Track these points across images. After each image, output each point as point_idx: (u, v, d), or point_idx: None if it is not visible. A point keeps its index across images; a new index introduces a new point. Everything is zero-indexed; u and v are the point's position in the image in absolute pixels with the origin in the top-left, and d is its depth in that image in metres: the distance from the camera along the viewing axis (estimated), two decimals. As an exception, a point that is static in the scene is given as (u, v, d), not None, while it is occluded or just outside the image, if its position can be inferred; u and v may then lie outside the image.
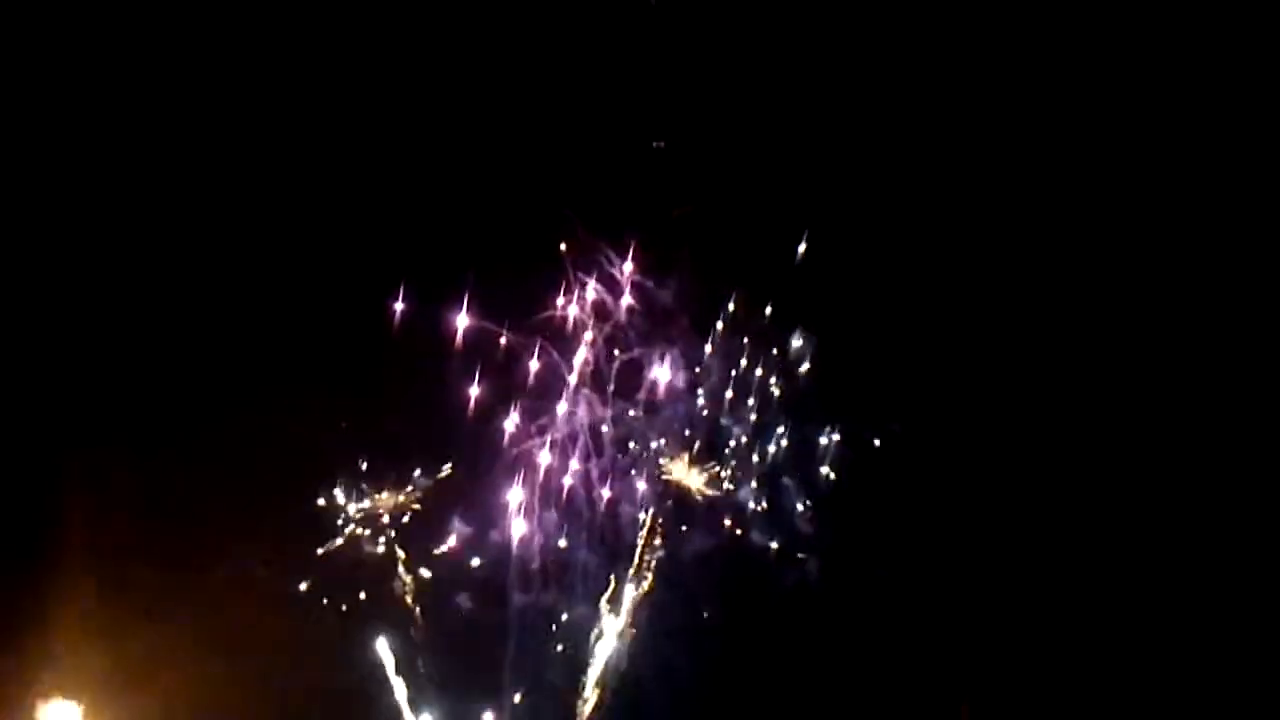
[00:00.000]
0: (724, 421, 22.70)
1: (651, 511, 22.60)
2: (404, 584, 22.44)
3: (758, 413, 22.42)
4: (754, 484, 22.48)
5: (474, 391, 21.59)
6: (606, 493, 22.34)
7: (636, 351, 22.03)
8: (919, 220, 21.67)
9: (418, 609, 22.42)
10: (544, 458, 22.06)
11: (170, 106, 21.83)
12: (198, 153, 21.71)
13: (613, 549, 22.52)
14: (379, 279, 21.60)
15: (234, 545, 22.09)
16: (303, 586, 22.26)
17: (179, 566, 21.82)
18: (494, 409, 21.80)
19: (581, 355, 21.95)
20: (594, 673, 22.40)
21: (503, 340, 21.54)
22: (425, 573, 22.44)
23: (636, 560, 22.49)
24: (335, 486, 22.55)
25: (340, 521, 22.63)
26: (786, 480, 22.48)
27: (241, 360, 21.74)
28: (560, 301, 21.79)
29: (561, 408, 22.03)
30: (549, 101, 21.39)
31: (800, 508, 22.50)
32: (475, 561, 22.36)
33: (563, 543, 22.23)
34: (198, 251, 21.78)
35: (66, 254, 21.56)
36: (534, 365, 21.73)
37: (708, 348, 22.30)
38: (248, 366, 21.76)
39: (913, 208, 21.66)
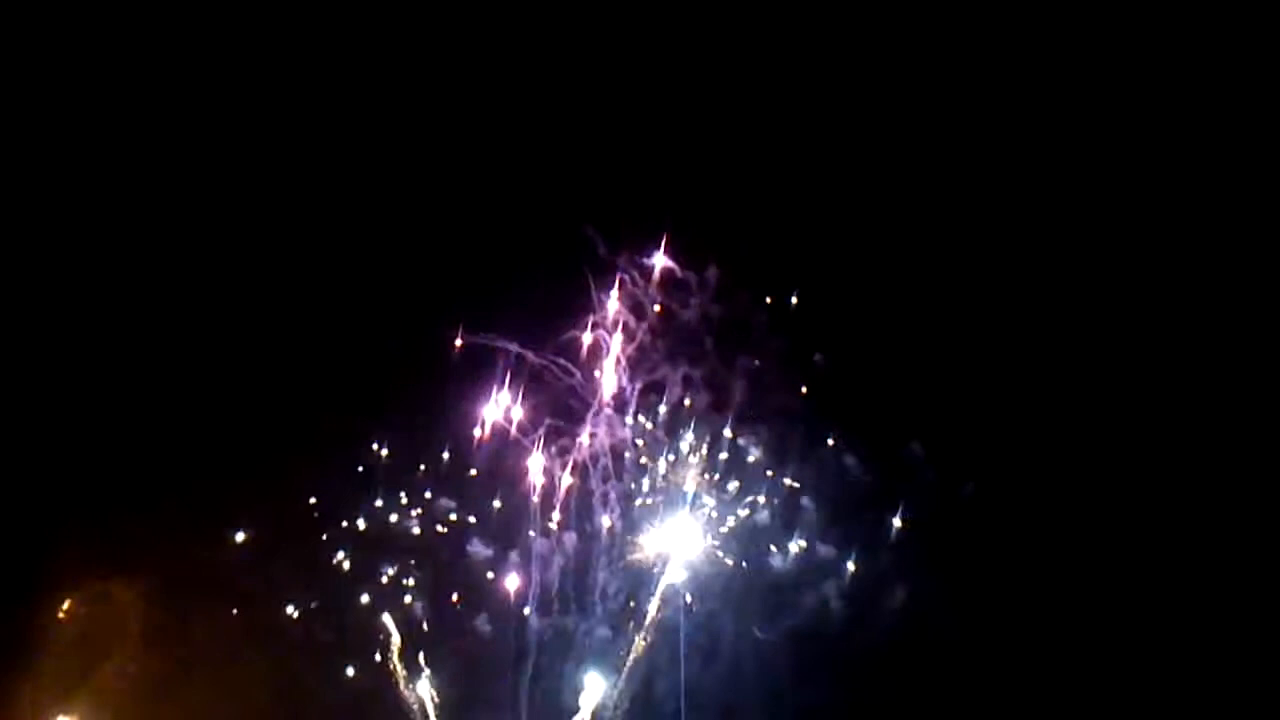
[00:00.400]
0: (743, 441, 22.64)
1: (670, 533, 22.51)
2: (422, 606, 22.34)
3: (778, 432, 22.35)
4: (774, 504, 22.37)
5: (495, 413, 21.69)
6: (626, 513, 22.32)
7: (659, 373, 22.02)
8: (938, 238, 21.75)
9: (435, 628, 22.35)
10: (565, 479, 22.04)
11: (191, 129, 21.96)
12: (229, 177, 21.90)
13: (631, 570, 22.44)
14: (396, 300, 21.74)
15: (249, 564, 22.20)
16: (318, 606, 22.22)
17: (193, 587, 21.95)
18: (515, 431, 21.83)
19: (603, 376, 21.90)
20: (611, 693, 22.23)
21: (525, 360, 21.63)
22: (443, 594, 22.37)
23: (655, 582, 22.40)
24: (353, 507, 22.50)
25: (357, 542, 22.56)
26: (806, 501, 22.41)
27: (267, 384, 21.83)
28: (581, 326, 21.87)
29: (584, 428, 22.03)
30: (575, 124, 21.52)
31: (820, 529, 22.41)
32: (494, 583, 22.26)
33: (582, 564, 22.22)
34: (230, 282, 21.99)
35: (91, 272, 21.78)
36: (557, 386, 21.80)
37: (728, 368, 22.26)
38: (273, 390, 21.84)
39: (931, 226, 21.73)
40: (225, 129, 21.84)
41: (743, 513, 22.42)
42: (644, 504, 22.45)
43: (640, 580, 22.38)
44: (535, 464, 21.98)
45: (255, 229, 21.78)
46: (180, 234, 21.94)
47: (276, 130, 21.62)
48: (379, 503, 22.39)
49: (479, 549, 22.28)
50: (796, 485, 22.25)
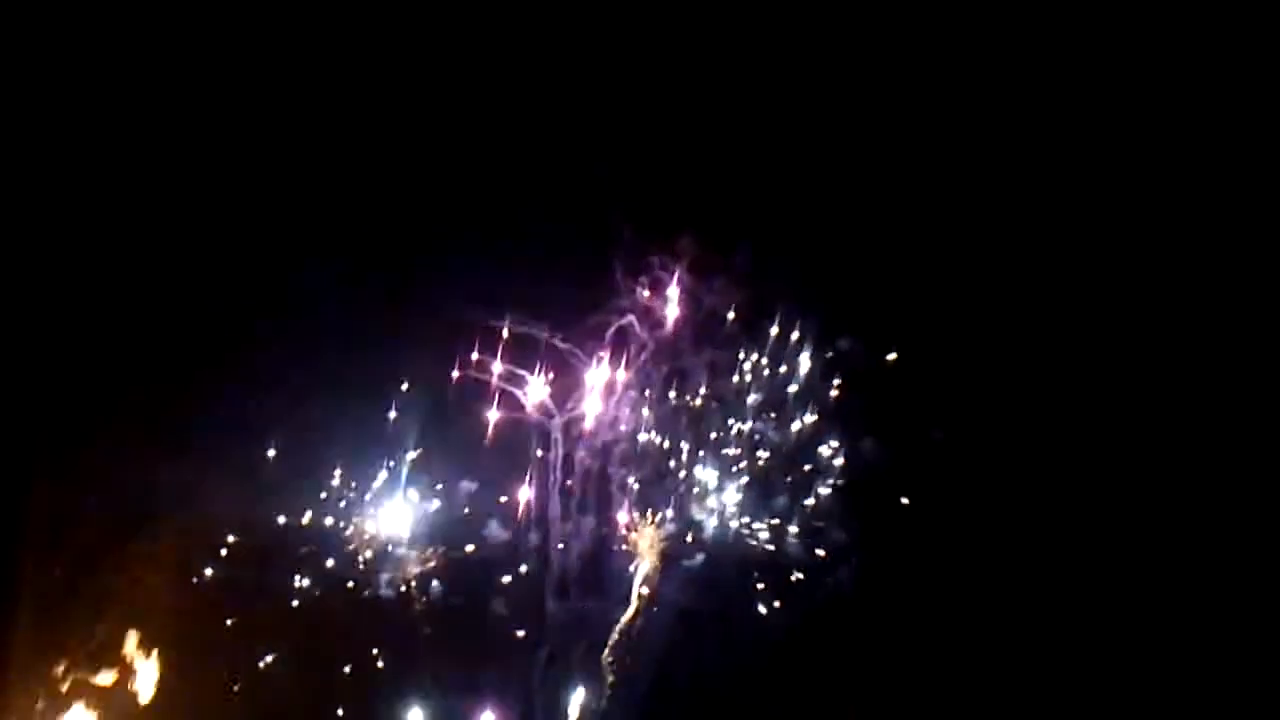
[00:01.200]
0: (760, 426, 22.62)
1: (687, 519, 22.49)
2: (437, 586, 22.20)
3: (799, 419, 22.34)
4: (792, 494, 22.41)
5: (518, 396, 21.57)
6: (646, 498, 22.26)
7: (683, 358, 21.92)
8: (964, 226, 21.77)
9: (449, 612, 22.21)
10: (585, 463, 21.96)
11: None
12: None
13: (647, 555, 22.40)
14: (418, 278, 21.49)
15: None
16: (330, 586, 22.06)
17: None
18: (535, 413, 21.64)
19: (626, 360, 21.77)
20: (620, 676, 22.24)
21: (547, 343, 21.43)
22: (457, 574, 22.21)
23: (674, 566, 22.41)
24: (366, 486, 22.32)
25: (368, 525, 22.34)
26: (823, 489, 22.46)
27: (281, 357, 21.47)
28: (605, 310, 21.68)
29: (605, 413, 21.88)
30: (600, 104, 21.20)
31: (834, 516, 22.47)
32: (511, 565, 22.16)
33: (601, 549, 22.19)
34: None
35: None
36: (580, 371, 21.61)
37: (751, 354, 22.17)
38: (286, 364, 21.47)
39: (958, 214, 21.78)
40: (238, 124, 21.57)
41: (761, 496, 22.47)
42: (664, 488, 22.38)
43: (657, 565, 22.38)
44: (556, 448, 21.84)
45: (283, 219, 21.57)
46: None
47: (310, 118, 21.44)
48: (398, 484, 22.25)
49: (496, 533, 22.15)
50: (815, 470, 22.31)
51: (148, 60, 20.96)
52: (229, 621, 21.56)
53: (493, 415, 21.61)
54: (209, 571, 21.81)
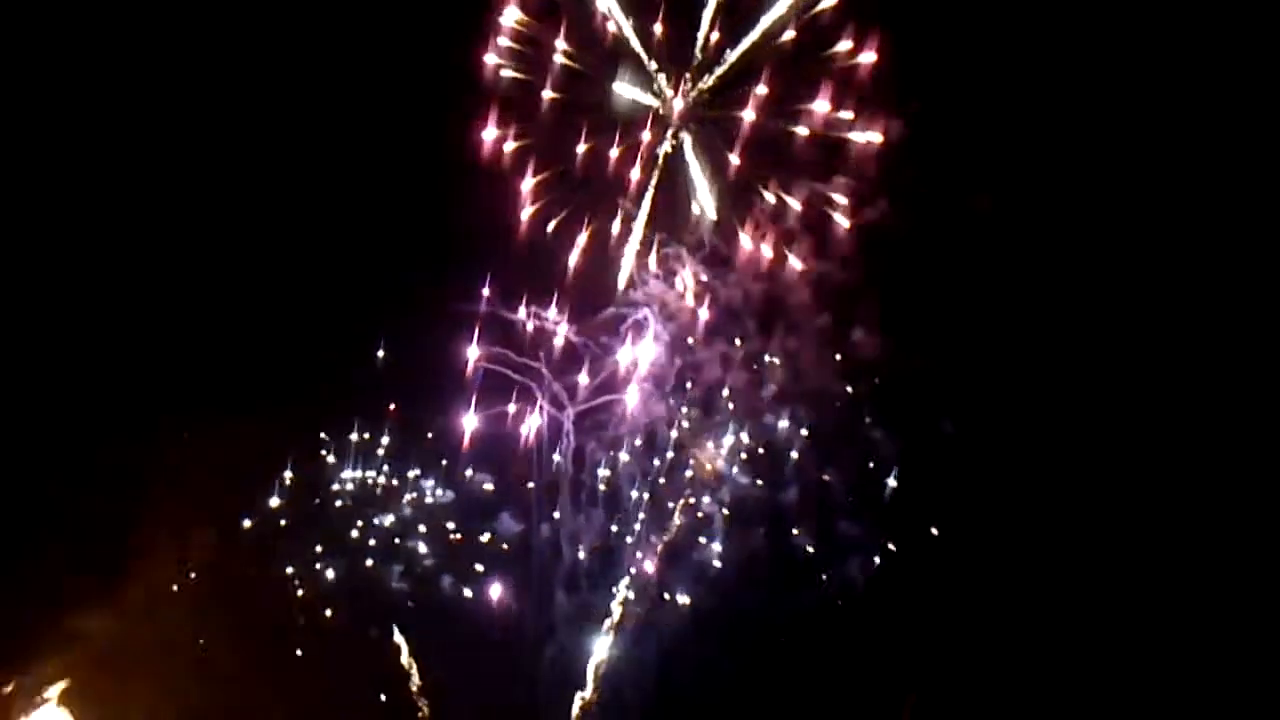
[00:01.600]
0: (772, 419, 22.70)
1: (699, 511, 22.56)
2: (449, 578, 22.19)
3: (812, 412, 22.46)
4: (805, 483, 22.50)
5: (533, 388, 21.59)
6: (657, 491, 22.32)
7: (698, 352, 21.96)
8: (975, 224, 21.92)
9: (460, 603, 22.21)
10: (598, 454, 22.01)
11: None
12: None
13: (660, 547, 22.45)
14: (443, 268, 21.48)
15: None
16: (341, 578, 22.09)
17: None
18: (553, 405, 21.71)
19: (643, 354, 21.79)
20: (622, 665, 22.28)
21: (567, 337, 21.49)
22: (467, 567, 22.23)
23: (684, 559, 22.46)
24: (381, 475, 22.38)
25: (388, 513, 22.37)
26: (832, 478, 22.57)
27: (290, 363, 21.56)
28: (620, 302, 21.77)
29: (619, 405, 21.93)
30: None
31: (846, 509, 22.59)
32: (523, 559, 22.22)
33: (611, 541, 22.22)
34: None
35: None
36: (596, 363, 21.67)
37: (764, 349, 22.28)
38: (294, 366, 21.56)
39: (971, 212, 21.90)
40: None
41: (773, 491, 22.55)
42: (677, 480, 22.42)
43: (669, 557, 22.43)
44: (568, 440, 21.84)
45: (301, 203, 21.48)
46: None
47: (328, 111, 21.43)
48: (412, 475, 22.26)
49: (508, 525, 22.14)
50: (829, 465, 22.43)
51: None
52: (232, 616, 21.57)
53: (505, 408, 21.65)
54: (211, 565, 21.79)
